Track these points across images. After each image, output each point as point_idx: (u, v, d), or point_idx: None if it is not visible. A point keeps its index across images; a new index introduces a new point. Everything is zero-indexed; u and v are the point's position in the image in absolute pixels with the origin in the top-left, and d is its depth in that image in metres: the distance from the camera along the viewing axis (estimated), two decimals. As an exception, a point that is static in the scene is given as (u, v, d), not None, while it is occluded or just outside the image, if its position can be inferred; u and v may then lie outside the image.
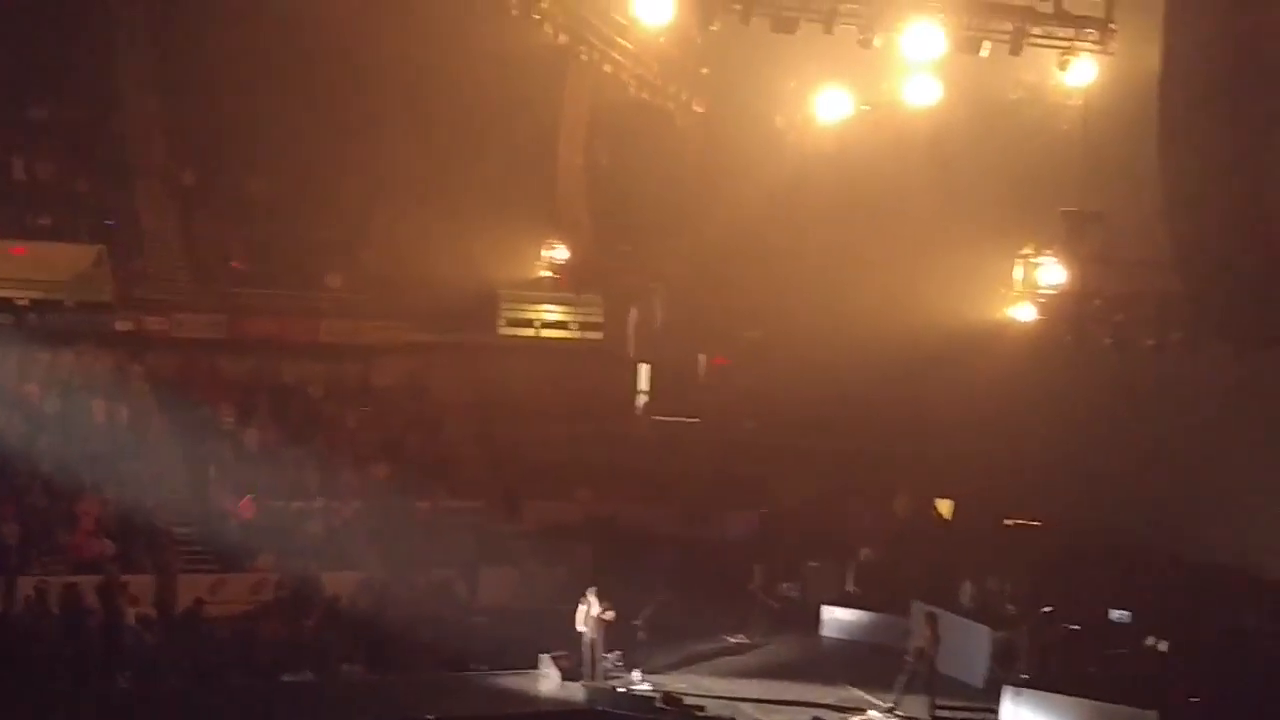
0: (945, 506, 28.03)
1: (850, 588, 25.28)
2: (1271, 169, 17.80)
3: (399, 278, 30.49)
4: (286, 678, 21.09)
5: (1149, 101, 19.57)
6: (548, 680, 21.10)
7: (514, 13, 27.65)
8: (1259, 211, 18.22)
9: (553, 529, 27.77)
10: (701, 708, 20.13)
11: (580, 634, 20.80)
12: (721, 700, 20.31)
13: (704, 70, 29.13)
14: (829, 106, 26.21)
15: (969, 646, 21.55)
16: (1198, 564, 21.09)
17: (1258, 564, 20.39)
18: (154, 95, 31.33)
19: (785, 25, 22.35)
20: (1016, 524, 26.04)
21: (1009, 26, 21.48)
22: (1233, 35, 18.46)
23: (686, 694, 20.47)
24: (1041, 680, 20.02)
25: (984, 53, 21.79)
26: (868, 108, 25.68)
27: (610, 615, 20.79)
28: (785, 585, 25.23)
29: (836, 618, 24.49)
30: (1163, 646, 20.47)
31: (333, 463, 27.48)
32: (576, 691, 20.64)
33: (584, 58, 29.12)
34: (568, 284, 32.65)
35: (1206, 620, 20.56)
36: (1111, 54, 21.40)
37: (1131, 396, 22.01)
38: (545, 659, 21.23)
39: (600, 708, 20.03)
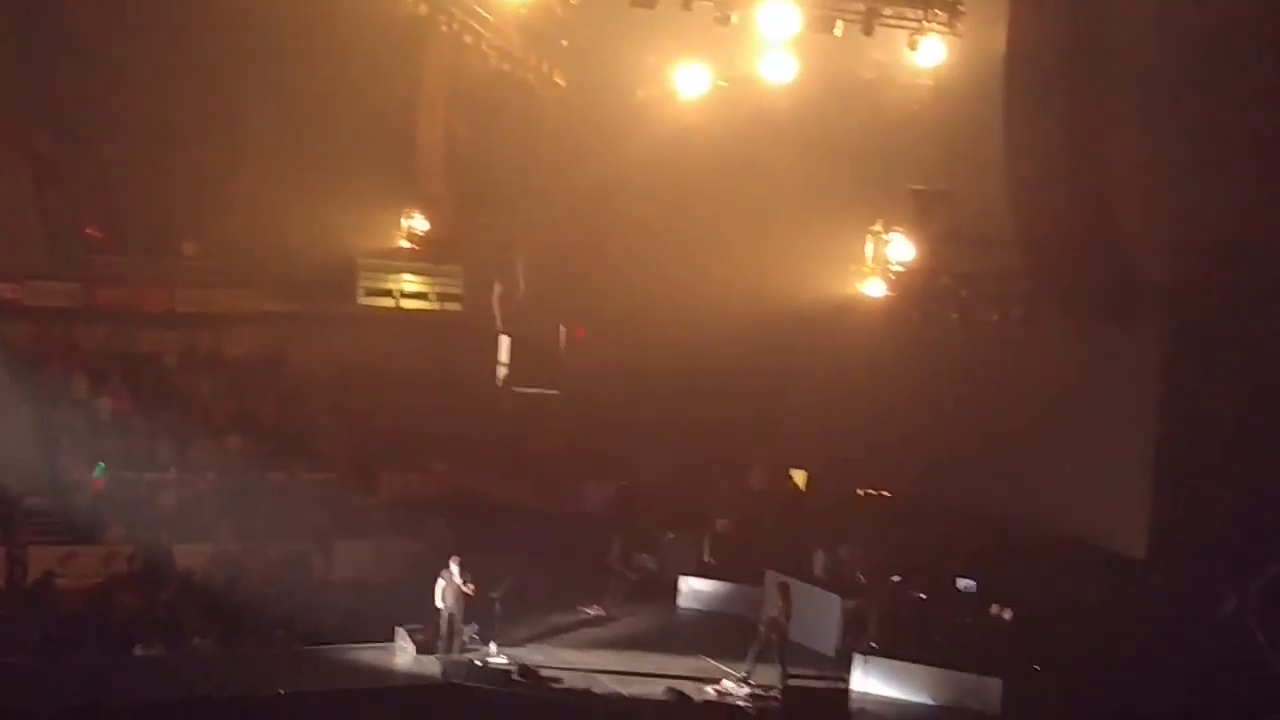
0: (800, 477, 28.41)
1: (707, 559, 25.37)
2: (1110, 151, 18.40)
3: (255, 246, 29.90)
4: (139, 651, 20.65)
5: (996, 83, 20.06)
6: (403, 654, 20.91)
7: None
8: (1097, 192, 18.83)
9: (409, 501, 27.68)
10: (558, 680, 20.17)
11: (438, 607, 20.71)
12: (578, 672, 20.35)
13: (565, 43, 29.08)
14: (688, 82, 26.37)
15: (821, 616, 21.89)
16: (1041, 534, 21.65)
17: (1098, 534, 21.00)
18: (8, 62, 30.52)
19: (644, 0, 22.49)
20: (868, 494, 26.64)
21: (861, 6, 21.84)
22: (1074, 20, 19.02)
23: (543, 666, 20.46)
24: (890, 648, 20.36)
25: (837, 32, 22.12)
26: (726, 84, 25.91)
27: (470, 589, 20.84)
28: (642, 557, 25.29)
29: (693, 588, 24.69)
30: (1007, 615, 21.09)
31: (186, 433, 27.13)
32: (432, 665, 20.47)
33: (444, 28, 28.91)
34: (427, 254, 32.40)
35: (1049, 589, 21.16)
36: (960, 35, 21.82)
37: (978, 370, 22.50)
38: (401, 632, 21.04)
39: (456, 681, 20.02)
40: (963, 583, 21.90)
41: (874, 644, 20.94)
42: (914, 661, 20.13)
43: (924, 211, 22.60)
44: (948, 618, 21.58)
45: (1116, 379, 20.64)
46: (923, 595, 21.89)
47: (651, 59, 27.35)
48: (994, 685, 19.48)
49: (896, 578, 22.40)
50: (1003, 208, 19.92)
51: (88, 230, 30.20)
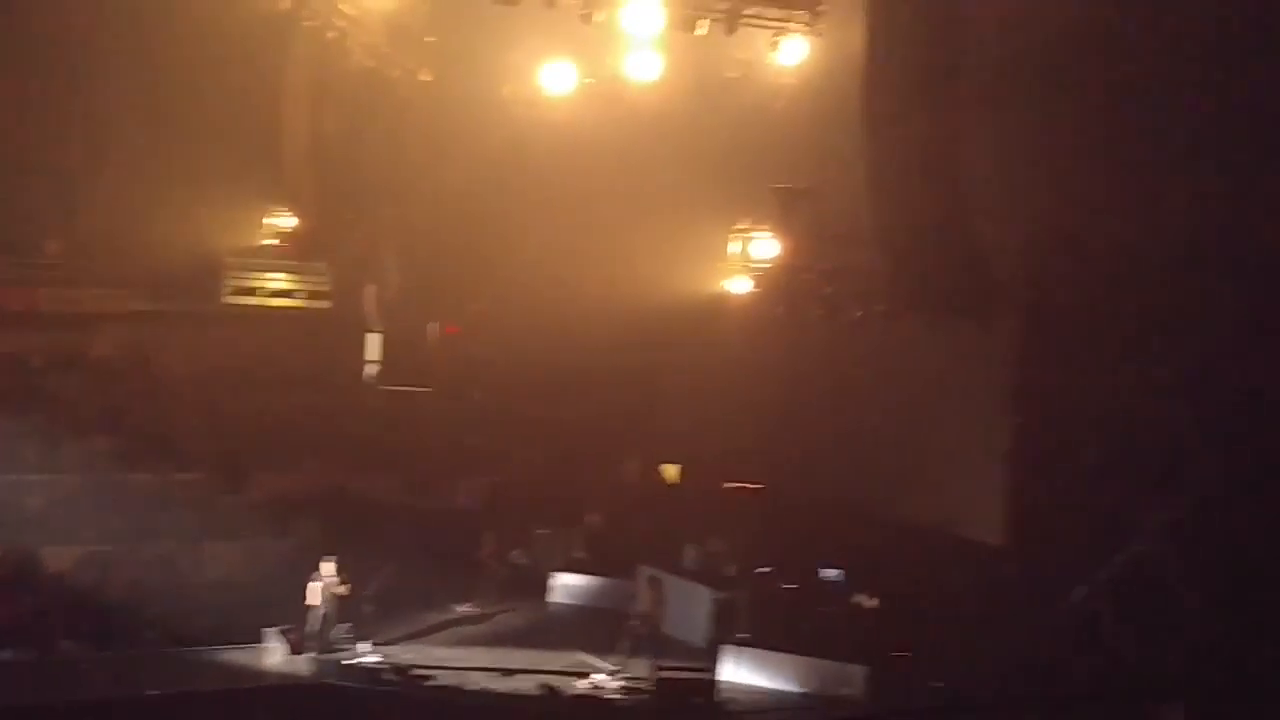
0: (671, 472, 28.58)
1: (578, 554, 25.55)
2: (965, 151, 18.88)
3: (120, 245, 29.57)
4: (5, 656, 20.16)
5: (856, 82, 20.46)
6: (275, 654, 20.69)
7: (237, -25, 27.13)
8: (953, 191, 19.30)
9: (279, 501, 27.12)
10: (430, 678, 20.15)
11: (309, 607, 20.63)
12: (450, 670, 20.34)
13: (430, 39, 28.99)
14: (554, 79, 26.47)
15: (691, 608, 22.21)
16: (905, 524, 22.15)
17: (959, 523, 21.55)
18: None
19: (507, -3, 22.59)
20: (738, 488, 27.04)
21: (724, 6, 22.15)
22: (929, 22, 19.46)
23: (415, 665, 20.47)
24: (759, 638, 20.70)
25: (701, 31, 22.42)
26: (591, 81, 26.05)
27: (342, 588, 20.78)
28: (515, 553, 25.29)
29: (565, 584, 24.84)
30: (871, 604, 21.70)
31: (53, 435, 26.46)
32: (304, 665, 20.34)
33: (308, 23, 28.67)
34: (294, 252, 32.19)
35: (911, 578, 21.68)
36: (821, 35, 22.27)
37: (842, 365, 22.97)
38: (272, 633, 20.84)
39: (328, 681, 19.98)
40: (829, 573, 22.31)
41: (743, 635, 21.41)
42: (782, 651, 20.44)
43: (787, 209, 23.01)
44: (815, 607, 22.17)
45: (974, 372, 21.20)
46: (791, 586, 22.34)
47: (517, 56, 27.44)
48: (858, 672, 19.90)
49: (765, 569, 22.71)
50: (864, 206, 20.31)
51: (-51, 230, 29.59)
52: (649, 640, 20.85)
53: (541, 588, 25.14)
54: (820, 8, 22.04)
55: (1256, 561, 18.10)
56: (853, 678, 20.05)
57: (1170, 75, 17.88)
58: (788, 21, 22.59)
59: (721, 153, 24.20)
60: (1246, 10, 17.05)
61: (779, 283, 22.87)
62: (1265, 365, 17.97)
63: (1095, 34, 18.56)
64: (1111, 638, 19.92)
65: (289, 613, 20.98)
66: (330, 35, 28.47)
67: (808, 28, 22.45)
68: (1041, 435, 20.61)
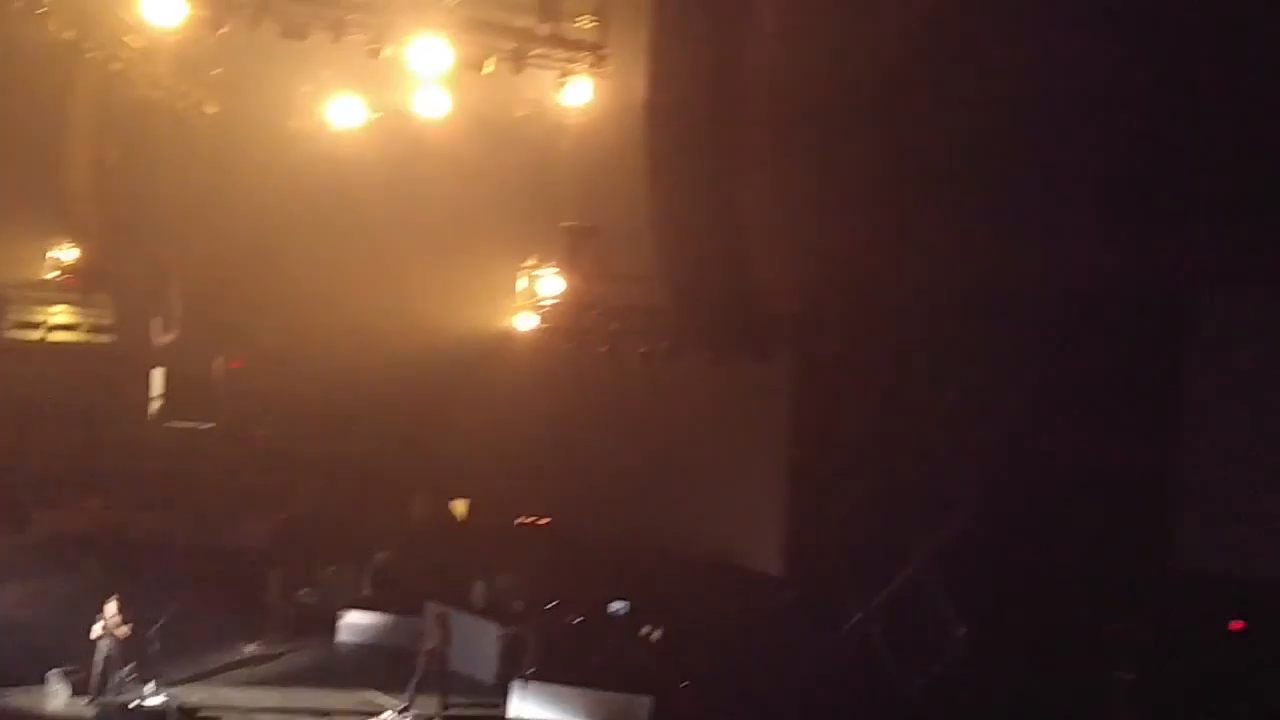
0: (460, 507, 28.44)
1: (367, 591, 25.46)
2: (742, 193, 19.36)
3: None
4: None
5: (640, 123, 20.81)
6: (57, 697, 20.30)
7: (16, 4, 26.25)
8: (730, 233, 19.77)
9: (62, 540, 26.63)
10: (217, 719, 19.99)
11: (93, 648, 20.16)
12: (238, 711, 20.19)
13: (216, 71, 28.49)
14: (342, 113, 26.28)
15: (480, 644, 22.32)
16: (688, 556, 22.56)
17: (739, 554, 22.07)
18: None
19: (295, 31, 22.27)
20: (527, 522, 27.19)
21: (511, 46, 22.30)
22: (710, 65, 19.90)
23: (203, 706, 20.25)
24: (547, 673, 20.90)
25: (488, 70, 22.52)
26: (380, 115, 25.93)
27: (126, 628, 20.29)
28: (303, 591, 25.20)
29: (354, 622, 24.67)
30: (656, 635, 22.01)
31: None
32: (86, 708, 19.96)
33: (92, 54, 27.93)
34: (77, 285, 31.23)
35: (695, 608, 22.10)
36: (607, 77, 22.57)
37: (627, 400, 23.30)
38: (54, 675, 20.40)
39: (110, 723, 19.55)
40: (615, 605, 22.65)
41: (531, 670, 21.54)
42: (569, 685, 20.69)
43: (574, 247, 23.23)
44: (602, 640, 22.44)
45: (752, 406, 21.78)
46: (578, 620, 22.62)
47: (305, 89, 27.19)
48: (644, 703, 20.26)
49: (553, 604, 22.95)
50: (648, 244, 20.66)
51: None
52: (438, 677, 20.92)
53: (330, 626, 24.91)
54: (604, 50, 22.37)
55: (1016, 585, 18.98)
56: (637, 709, 20.37)
57: (942, 124, 18.65)
58: (573, 62, 22.85)
59: (510, 190, 24.34)
60: (1018, 60, 17.84)
61: (566, 319, 23.05)
62: (1025, 400, 18.86)
63: (872, 81, 19.23)
64: (885, 658, 20.68)
65: (73, 654, 20.48)
66: (115, 66, 27.79)
67: (593, 69, 22.77)
68: (817, 467, 21.30)
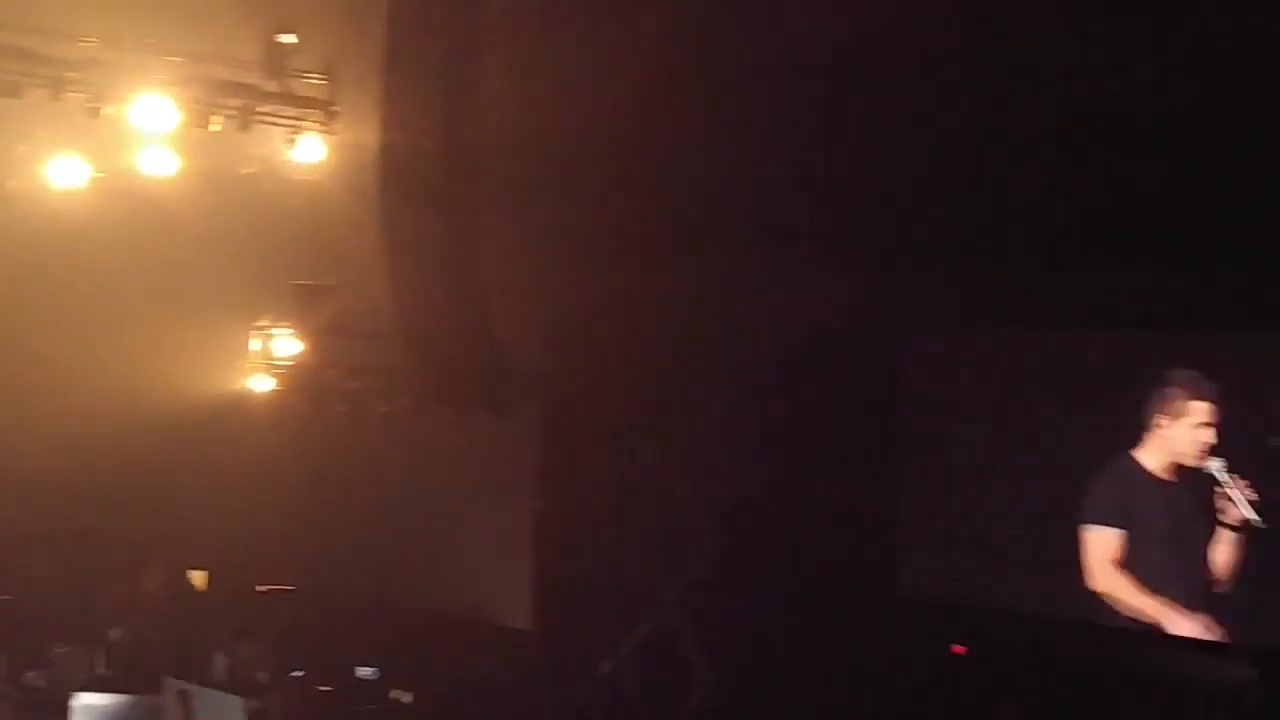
0: (199, 578, 27.48)
1: (100, 671, 24.27)
2: (476, 249, 19.40)
3: None
4: None
5: (373, 181, 20.69)
6: None
7: None
8: (471, 287, 19.78)
9: None
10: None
11: None
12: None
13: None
14: (62, 173, 25.25)
15: (224, 719, 21.72)
16: (436, 616, 22.35)
17: (488, 611, 21.97)
18: None
19: (9, 90, 21.32)
20: (269, 590, 26.45)
21: (238, 103, 21.85)
22: (443, 122, 19.94)
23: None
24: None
25: (214, 127, 22.01)
26: (103, 175, 25.05)
27: None
28: (30, 675, 23.85)
29: (87, 704, 23.14)
30: (407, 698, 21.71)
31: None
32: None
33: None
34: None
35: (448, 668, 21.88)
36: (337, 133, 22.32)
37: (370, 461, 22.98)
38: None
39: None
40: (364, 671, 22.30)
41: (277, 741, 21.05)
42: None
43: (308, 306, 22.78)
44: (352, 708, 21.97)
45: (496, 462, 21.71)
46: (326, 688, 22.13)
47: (22, 149, 26.08)
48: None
49: (299, 673, 22.45)
50: (385, 302, 20.50)
51: None
52: (177, 755, 20.40)
53: (62, 709, 22.95)
54: (334, 107, 22.12)
55: (758, 627, 19.47)
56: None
57: (678, 182, 19.08)
58: (302, 120, 22.51)
59: (240, 249, 23.70)
60: (749, 116, 18.36)
61: (302, 380, 22.61)
62: (760, 444, 19.41)
63: (600, 134, 19.54)
64: (636, 704, 20.90)
65: None
66: None
67: (322, 127, 22.48)
68: (562, 519, 21.42)
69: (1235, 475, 15.63)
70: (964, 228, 16.98)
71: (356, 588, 22.95)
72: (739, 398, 19.43)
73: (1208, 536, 15.78)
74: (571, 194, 20.38)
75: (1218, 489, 15.77)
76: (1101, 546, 16.55)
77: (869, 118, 17.19)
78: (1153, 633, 16.21)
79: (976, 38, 15.75)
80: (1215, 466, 15.78)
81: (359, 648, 22.17)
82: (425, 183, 19.75)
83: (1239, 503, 15.55)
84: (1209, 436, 15.89)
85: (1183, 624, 15.99)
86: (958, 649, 17.51)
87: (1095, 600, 16.57)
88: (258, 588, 25.96)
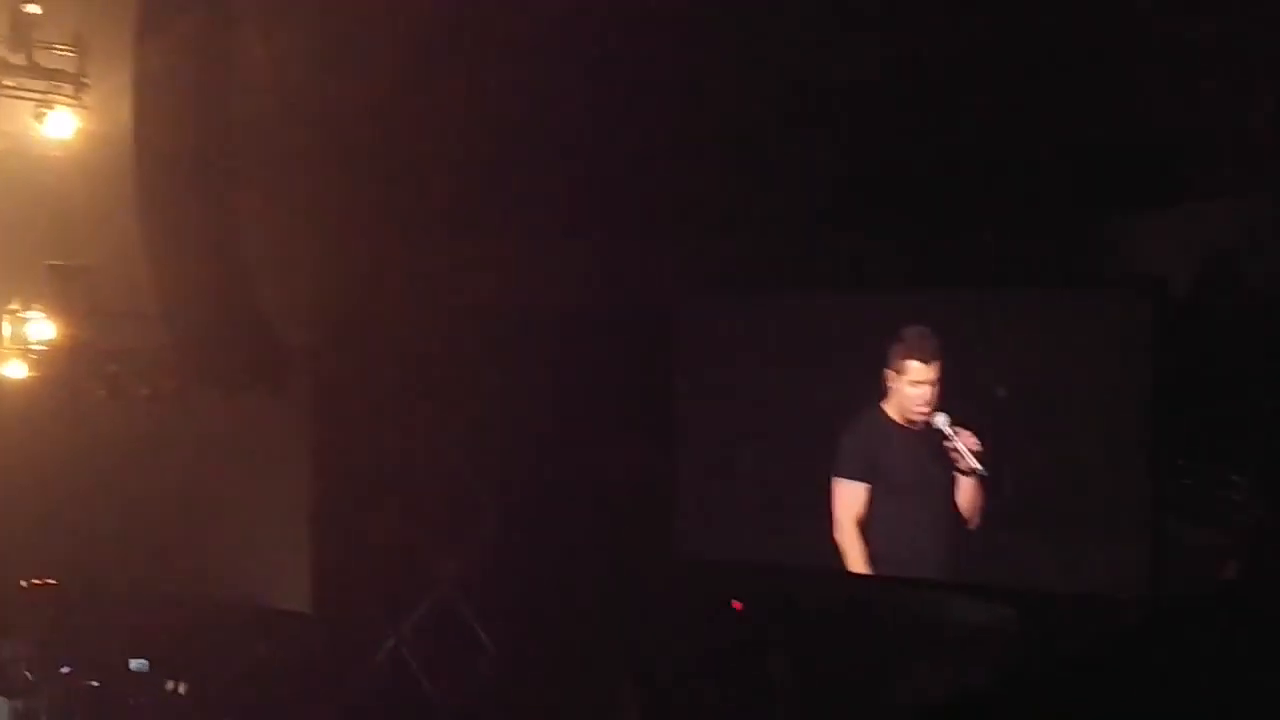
0: (-44, 577, 26.54)
1: None
2: (237, 224, 18.86)
3: None
4: None
5: (129, 157, 19.94)
6: None
7: None
8: (235, 264, 19.23)
9: None
10: None
11: None
12: None
13: None
14: None
15: (-13, 720, 20.82)
16: (210, 602, 21.73)
17: (265, 595, 21.45)
18: None
19: None
20: (32, 585, 25.36)
21: (-20, 77, 20.83)
22: (194, 93, 19.31)
23: None
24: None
25: (-46, 104, 20.97)
26: None
27: None
28: None
29: None
30: (183, 689, 21.08)
31: None
32: None
33: None
34: None
35: (224, 656, 21.31)
36: (89, 108, 21.44)
37: (136, 446, 22.11)
38: None
39: None
40: (135, 663, 21.61)
41: (44, 741, 20.27)
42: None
43: (63, 287, 21.81)
44: (124, 702, 21.24)
45: (270, 441, 21.15)
46: (95, 683, 21.36)
47: None
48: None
49: (66, 669, 21.68)
50: (145, 282, 19.79)
51: None
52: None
53: None
54: (84, 80, 21.22)
55: (540, 598, 19.49)
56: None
57: (430, 150, 18.86)
58: (51, 94, 21.56)
59: (-12, 230, 22.69)
60: (510, 77, 18.24)
61: (59, 365, 21.67)
62: (538, 415, 19.39)
63: (362, 104, 19.20)
64: (420, 679, 20.72)
65: None
66: None
67: (74, 101, 21.56)
68: (338, 498, 21.05)
69: (960, 429, 16.40)
70: (727, 196, 17.31)
71: (128, 578, 22.14)
72: (513, 368, 19.37)
73: (950, 481, 16.46)
74: (334, 165, 20.00)
75: (946, 442, 16.47)
76: (845, 500, 17.10)
77: (630, 87, 17.32)
78: (912, 579, 16.77)
79: (728, 4, 16.01)
80: (940, 421, 16.54)
81: (129, 640, 21.42)
82: (181, 157, 19.11)
83: (964, 454, 16.32)
84: (922, 392, 16.62)
85: (926, 570, 16.70)
86: (736, 605, 17.86)
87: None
88: (20, 583, 24.89)
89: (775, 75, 16.14)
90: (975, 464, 16.24)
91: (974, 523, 16.31)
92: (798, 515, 17.40)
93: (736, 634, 17.53)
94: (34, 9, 20.71)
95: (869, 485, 17.00)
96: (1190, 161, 15.10)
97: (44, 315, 23.93)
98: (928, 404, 16.54)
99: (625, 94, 16.99)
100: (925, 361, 16.52)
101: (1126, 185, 15.37)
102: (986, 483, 16.19)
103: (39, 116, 23.59)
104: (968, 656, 15.86)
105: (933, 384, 16.51)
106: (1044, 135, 15.53)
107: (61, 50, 21.43)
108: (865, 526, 17.00)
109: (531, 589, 19.32)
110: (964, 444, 16.34)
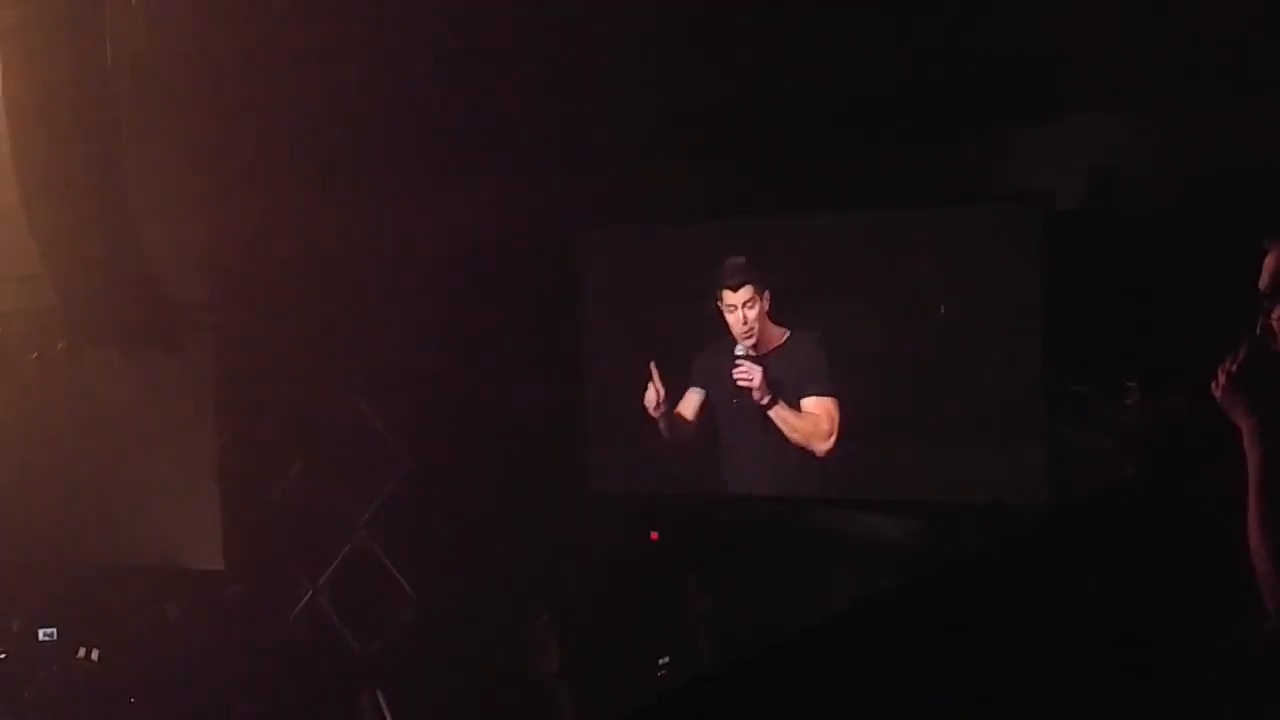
0: None
1: None
2: (120, 176, 18.22)
3: None
4: None
5: (2, 115, 19.24)
6: None
7: None
8: (120, 221, 18.62)
9: None
10: None
11: None
12: None
13: None
14: None
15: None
16: (119, 566, 21.34)
17: (175, 555, 21.08)
18: None
19: None
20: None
21: None
22: (73, 50, 18.46)
23: None
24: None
25: None
26: None
27: None
28: None
29: None
30: (95, 656, 20.71)
31: None
32: None
33: None
34: None
35: (136, 620, 20.93)
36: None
37: (26, 412, 21.54)
38: None
39: None
40: (44, 633, 21.19)
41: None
42: (-1, 725, 19.30)
43: (-60, 251, 21.13)
44: (34, 673, 20.76)
45: (171, 400, 20.73)
46: (1, 655, 20.95)
47: None
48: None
49: (-31, 643, 21.25)
50: (26, 242, 19.16)
51: None
52: None
53: None
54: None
55: (456, 540, 19.36)
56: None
57: (333, 100, 18.43)
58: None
59: None
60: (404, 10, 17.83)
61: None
62: (445, 357, 19.17)
63: (248, 46, 18.63)
64: (341, 631, 20.52)
65: None
66: None
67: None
68: (246, 452, 20.68)
69: (747, 360, 16.61)
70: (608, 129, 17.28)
71: (30, 545, 21.68)
72: (417, 309, 19.15)
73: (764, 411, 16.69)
74: (219, 111, 19.48)
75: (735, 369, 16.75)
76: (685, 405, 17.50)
77: (519, 22, 17.01)
78: (824, 499, 16.87)
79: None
80: (738, 350, 16.63)
81: (36, 609, 20.98)
82: (55, 109, 18.34)
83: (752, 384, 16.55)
84: (737, 317, 16.66)
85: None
86: (654, 535, 17.91)
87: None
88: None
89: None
90: (760, 395, 16.51)
91: (819, 446, 16.44)
92: (705, 443, 17.45)
93: (655, 565, 17.57)
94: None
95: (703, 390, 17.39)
96: (1068, 74, 15.16)
97: (-76, 282, 23.25)
98: (748, 330, 16.62)
99: (520, 32, 16.75)
100: (734, 289, 16.63)
101: (1006, 100, 15.39)
102: (844, 404, 16.26)
103: (-92, 77, 22.80)
104: (879, 569, 16.01)
105: (743, 308, 16.58)
106: (919, 50, 15.48)
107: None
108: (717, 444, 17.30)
109: (448, 532, 19.19)
110: (740, 375, 16.66)
